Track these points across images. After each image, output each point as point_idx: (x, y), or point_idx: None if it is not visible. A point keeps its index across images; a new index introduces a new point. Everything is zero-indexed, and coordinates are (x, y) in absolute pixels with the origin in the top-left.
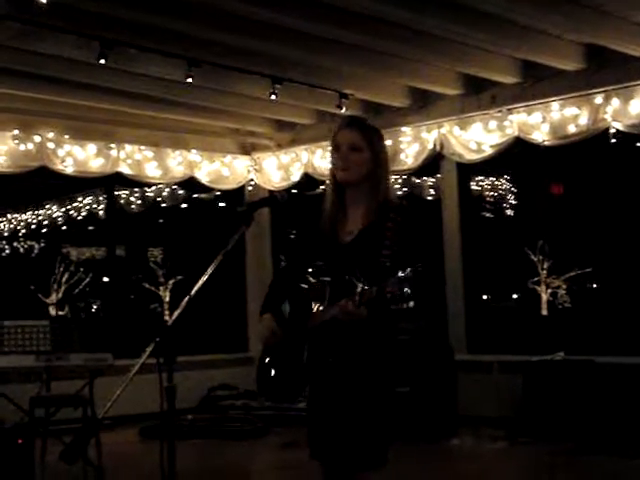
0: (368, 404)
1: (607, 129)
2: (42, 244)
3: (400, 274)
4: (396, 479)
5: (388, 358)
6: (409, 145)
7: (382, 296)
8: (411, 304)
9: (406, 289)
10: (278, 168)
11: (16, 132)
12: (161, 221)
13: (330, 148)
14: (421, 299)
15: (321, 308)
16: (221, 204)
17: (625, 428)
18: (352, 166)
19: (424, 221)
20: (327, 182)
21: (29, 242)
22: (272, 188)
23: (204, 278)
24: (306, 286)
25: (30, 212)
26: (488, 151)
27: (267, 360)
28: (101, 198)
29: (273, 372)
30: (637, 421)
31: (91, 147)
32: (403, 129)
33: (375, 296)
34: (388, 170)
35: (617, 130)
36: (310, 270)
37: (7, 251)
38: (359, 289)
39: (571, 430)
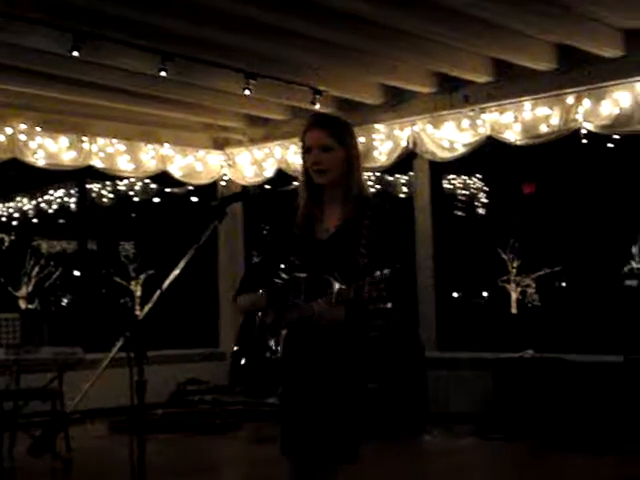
0: (340, 400)
1: (578, 129)
2: (12, 237)
3: (377, 274)
4: (366, 476)
5: (361, 355)
6: (382, 142)
7: (359, 296)
8: (389, 304)
9: (383, 289)
10: (251, 163)
11: None
12: (133, 215)
13: (301, 147)
14: (397, 298)
15: (297, 304)
16: (194, 199)
17: (593, 425)
18: (326, 168)
19: (400, 220)
20: (300, 180)
21: None
22: (245, 183)
23: (176, 272)
24: (280, 281)
25: (1, 204)
26: (460, 150)
27: (241, 353)
28: (73, 191)
29: (247, 365)
30: (605, 418)
31: (63, 140)
32: (376, 126)
33: (352, 296)
34: (360, 165)
35: (588, 131)
36: (285, 266)
37: None
38: (336, 289)
39: (540, 427)
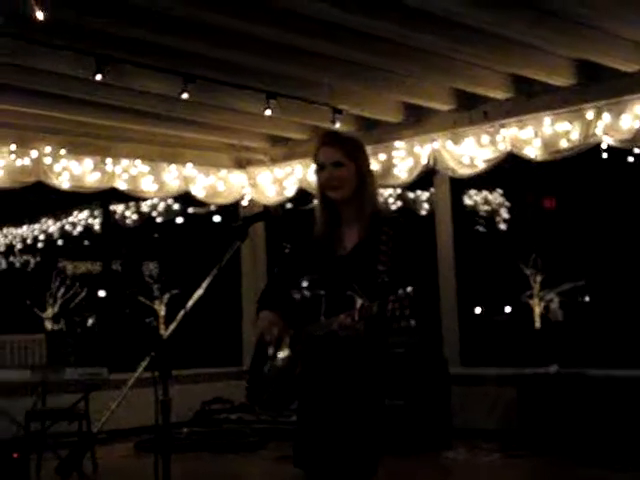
0: (357, 413)
1: (599, 144)
2: (38, 259)
3: (400, 292)
4: None
5: (381, 370)
6: (402, 160)
7: (382, 313)
8: (412, 322)
9: (407, 307)
10: (273, 183)
11: (13, 147)
12: (156, 235)
13: (314, 167)
14: (419, 316)
15: (317, 321)
16: (216, 219)
17: (618, 440)
18: (339, 184)
19: (418, 235)
20: (316, 200)
21: (25, 256)
22: (267, 203)
23: (199, 292)
24: (299, 297)
25: (26, 227)
26: (481, 166)
27: (258, 368)
28: (97, 213)
29: (261, 382)
30: (629, 433)
31: (87, 162)
32: (396, 144)
33: (375, 313)
34: (374, 180)
35: (608, 145)
36: (304, 282)
37: (3, 265)
38: (359, 305)
39: (565, 442)
